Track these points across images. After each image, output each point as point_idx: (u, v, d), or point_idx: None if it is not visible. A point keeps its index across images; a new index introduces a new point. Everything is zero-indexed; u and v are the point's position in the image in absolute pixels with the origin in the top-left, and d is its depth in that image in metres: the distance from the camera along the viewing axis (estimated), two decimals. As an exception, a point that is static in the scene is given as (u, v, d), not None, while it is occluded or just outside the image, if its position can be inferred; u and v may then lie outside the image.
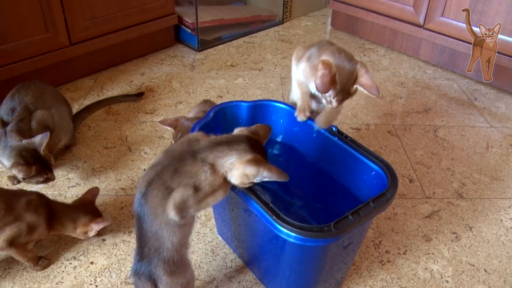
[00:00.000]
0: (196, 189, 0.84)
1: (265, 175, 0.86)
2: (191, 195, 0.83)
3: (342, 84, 1.07)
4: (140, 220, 0.85)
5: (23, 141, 1.31)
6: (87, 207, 1.21)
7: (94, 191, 1.26)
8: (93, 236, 1.26)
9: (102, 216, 1.21)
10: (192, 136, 0.91)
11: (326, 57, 1.09)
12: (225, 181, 0.88)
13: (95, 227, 1.18)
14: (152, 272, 0.88)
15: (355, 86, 1.09)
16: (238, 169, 0.86)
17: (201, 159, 0.85)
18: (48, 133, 1.31)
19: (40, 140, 1.30)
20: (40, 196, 1.15)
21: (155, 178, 0.84)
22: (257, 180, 0.88)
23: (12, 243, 1.09)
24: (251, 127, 0.95)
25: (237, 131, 0.94)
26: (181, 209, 0.83)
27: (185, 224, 0.88)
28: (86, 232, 1.19)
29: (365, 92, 1.08)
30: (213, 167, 0.85)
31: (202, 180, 0.84)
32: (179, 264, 0.89)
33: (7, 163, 1.31)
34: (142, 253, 0.87)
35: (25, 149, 1.30)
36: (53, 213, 1.15)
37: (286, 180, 0.88)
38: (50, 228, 1.15)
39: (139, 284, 0.90)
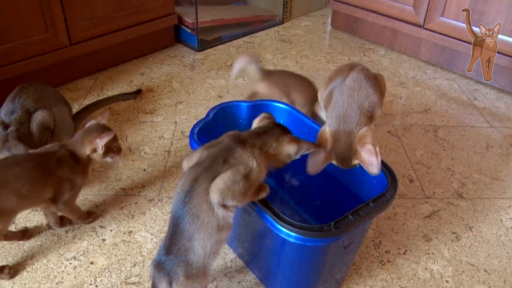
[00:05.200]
0: (245, 175, 0.86)
1: (305, 148, 0.96)
2: (239, 180, 0.85)
3: (338, 158, 1.02)
4: (178, 219, 0.87)
5: None
6: (93, 127, 1.25)
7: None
8: (93, 237, 1.26)
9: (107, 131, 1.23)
10: (231, 132, 0.95)
11: (325, 125, 1.05)
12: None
13: (99, 143, 1.20)
14: (172, 269, 0.88)
15: (356, 161, 1.02)
16: (282, 151, 0.94)
17: (250, 145, 0.90)
18: None
19: None
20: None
21: (202, 174, 0.87)
22: (298, 156, 0.96)
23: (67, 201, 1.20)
24: (264, 116, 1.01)
25: (260, 119, 1.01)
26: (225, 193, 0.84)
27: (223, 227, 0.88)
28: (95, 150, 1.21)
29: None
30: (260, 153, 0.90)
31: (252, 167, 0.88)
32: (200, 271, 0.89)
33: None
34: (170, 249, 0.88)
35: None
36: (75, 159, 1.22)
37: (320, 148, 1.01)
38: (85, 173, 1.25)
39: (156, 276, 0.90)
